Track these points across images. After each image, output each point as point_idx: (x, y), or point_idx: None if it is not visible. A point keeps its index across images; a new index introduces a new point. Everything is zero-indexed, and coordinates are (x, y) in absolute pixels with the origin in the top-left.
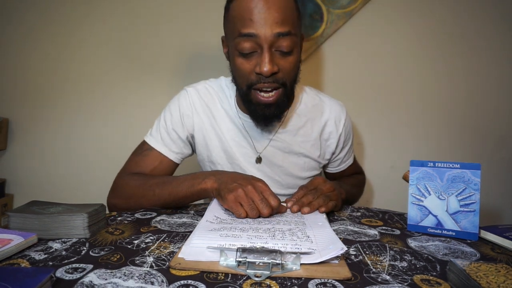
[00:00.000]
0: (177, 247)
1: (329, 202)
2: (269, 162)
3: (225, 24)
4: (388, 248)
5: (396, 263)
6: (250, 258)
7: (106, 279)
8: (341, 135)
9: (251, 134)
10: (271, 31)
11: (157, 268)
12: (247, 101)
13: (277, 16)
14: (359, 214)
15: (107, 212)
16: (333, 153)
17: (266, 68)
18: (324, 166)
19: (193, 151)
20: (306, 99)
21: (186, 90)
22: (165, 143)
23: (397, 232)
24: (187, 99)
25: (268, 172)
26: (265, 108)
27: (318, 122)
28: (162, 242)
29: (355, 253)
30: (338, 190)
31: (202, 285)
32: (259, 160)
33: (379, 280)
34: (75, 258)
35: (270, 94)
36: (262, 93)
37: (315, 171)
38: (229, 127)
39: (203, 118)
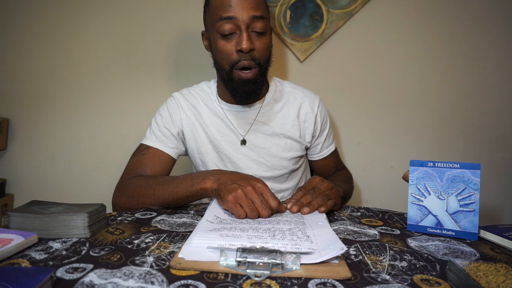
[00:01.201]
0: (177, 247)
1: (328, 201)
2: (253, 145)
3: (206, 17)
4: (388, 248)
5: (396, 263)
6: (250, 258)
7: (106, 279)
8: (317, 116)
9: (233, 121)
10: (247, 14)
11: (157, 268)
12: (229, 80)
13: (252, 2)
14: (359, 214)
15: (108, 211)
16: (313, 136)
17: (245, 45)
18: (307, 153)
19: (186, 149)
20: (280, 87)
21: (172, 95)
22: (160, 140)
23: (397, 232)
24: (174, 101)
25: (253, 155)
26: (245, 85)
27: (293, 105)
28: (162, 242)
29: (355, 253)
30: (336, 189)
31: (202, 285)
32: (243, 142)
33: (379, 280)
34: (75, 258)
35: (249, 71)
36: (242, 72)
37: (298, 152)
38: (212, 120)
39: (189, 115)
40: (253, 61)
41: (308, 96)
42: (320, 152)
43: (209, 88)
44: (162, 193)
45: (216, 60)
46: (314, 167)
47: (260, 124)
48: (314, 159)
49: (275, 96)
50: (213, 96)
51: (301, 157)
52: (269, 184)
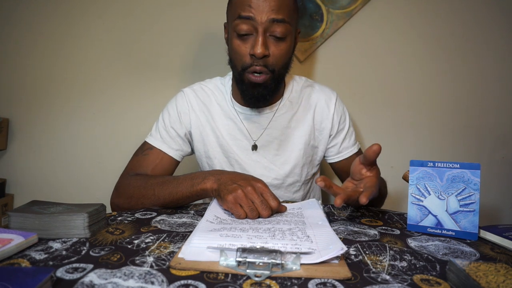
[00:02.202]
0: (177, 247)
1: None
2: (265, 152)
3: (228, 9)
4: (388, 248)
5: (396, 263)
6: (250, 258)
7: (106, 279)
8: (334, 115)
9: (246, 125)
10: (266, 16)
11: (157, 268)
12: (240, 81)
13: (274, 4)
14: (359, 214)
15: (108, 212)
16: (330, 135)
17: (259, 50)
18: (325, 155)
19: (192, 149)
20: (297, 86)
21: (183, 90)
22: (165, 141)
23: (397, 232)
24: (184, 98)
25: (265, 162)
26: (254, 88)
27: (309, 106)
28: (162, 242)
29: (355, 253)
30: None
31: (202, 285)
32: (254, 147)
33: (379, 280)
34: (75, 258)
35: (259, 76)
36: (253, 75)
37: (313, 158)
38: (224, 122)
39: (199, 115)
40: (265, 67)
41: (323, 93)
42: (339, 153)
43: (223, 85)
44: (162, 194)
45: (231, 58)
46: (335, 171)
47: (274, 129)
48: (333, 161)
49: (291, 97)
50: (227, 95)
51: (316, 165)
52: (281, 193)
